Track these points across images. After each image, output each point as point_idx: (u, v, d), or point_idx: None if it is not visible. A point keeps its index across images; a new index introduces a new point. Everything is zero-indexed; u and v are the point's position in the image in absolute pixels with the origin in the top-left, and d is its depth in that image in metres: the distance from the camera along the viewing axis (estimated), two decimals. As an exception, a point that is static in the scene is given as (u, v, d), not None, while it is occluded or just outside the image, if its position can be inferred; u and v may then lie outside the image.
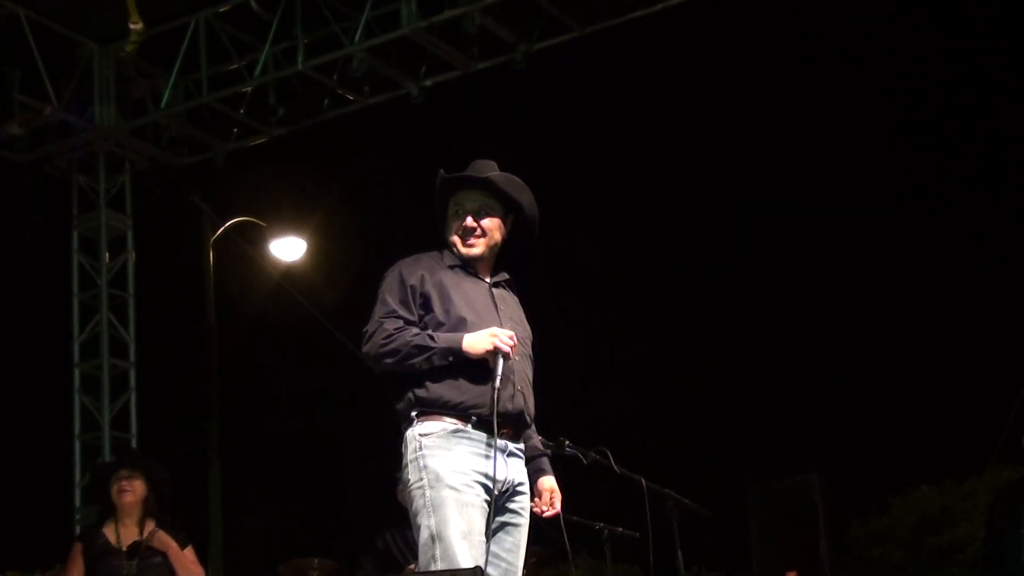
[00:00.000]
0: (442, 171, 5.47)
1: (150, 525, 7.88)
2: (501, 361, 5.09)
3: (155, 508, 7.93)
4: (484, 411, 5.08)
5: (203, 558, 14.09)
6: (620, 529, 7.92)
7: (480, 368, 5.12)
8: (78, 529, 8.92)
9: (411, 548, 8.28)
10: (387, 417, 5.33)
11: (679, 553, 7.34)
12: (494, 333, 5.12)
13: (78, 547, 7.92)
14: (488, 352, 5.10)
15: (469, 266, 5.41)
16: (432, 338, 5.12)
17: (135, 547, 7.81)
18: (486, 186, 5.43)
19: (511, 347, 5.10)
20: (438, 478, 4.98)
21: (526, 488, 5.25)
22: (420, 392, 5.11)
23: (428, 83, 13.67)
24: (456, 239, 5.43)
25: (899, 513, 29.26)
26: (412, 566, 8.09)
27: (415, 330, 5.14)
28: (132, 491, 7.90)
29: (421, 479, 5.02)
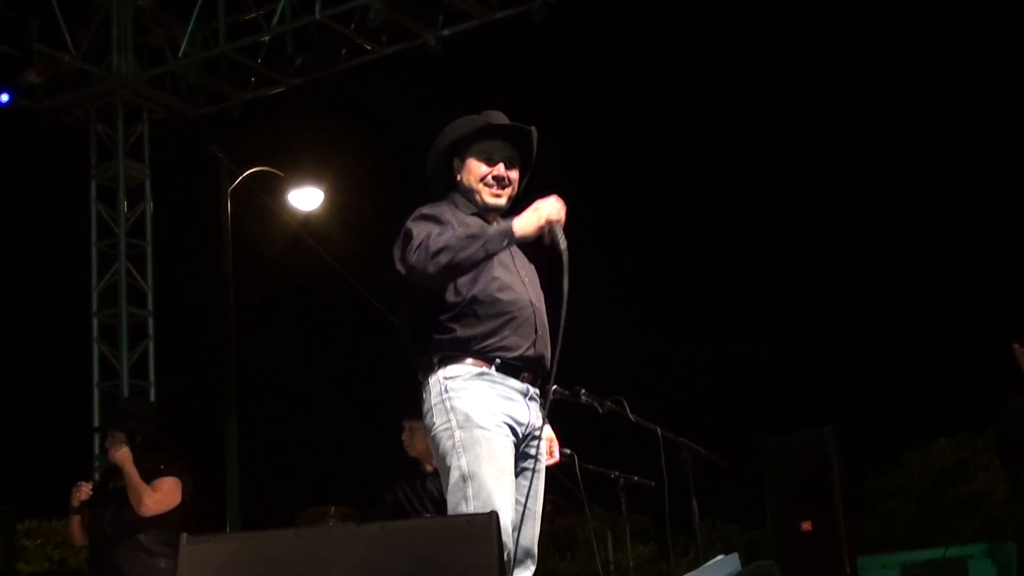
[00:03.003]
0: (477, 116, 5.35)
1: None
2: (559, 230, 5.05)
3: (140, 455, 7.74)
4: (508, 354, 5.07)
5: (221, 507, 14.25)
6: (635, 478, 7.94)
7: (502, 309, 5.10)
8: (96, 477, 8.81)
9: (420, 499, 8.31)
10: (403, 367, 5.29)
11: (694, 502, 7.35)
12: (537, 208, 5.08)
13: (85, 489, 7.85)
14: (542, 228, 5.04)
15: (485, 217, 5.30)
16: (481, 229, 5.04)
17: (112, 495, 7.69)
18: (523, 138, 5.36)
19: (562, 214, 5.07)
20: (468, 419, 4.92)
21: (542, 433, 5.24)
22: (442, 336, 5.04)
23: (445, 32, 13.64)
24: (483, 187, 5.31)
25: (914, 466, 29.33)
26: (426, 516, 8.11)
27: (441, 232, 5.01)
28: (114, 448, 7.81)
29: (449, 421, 4.95)
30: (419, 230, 5.04)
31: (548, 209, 5.04)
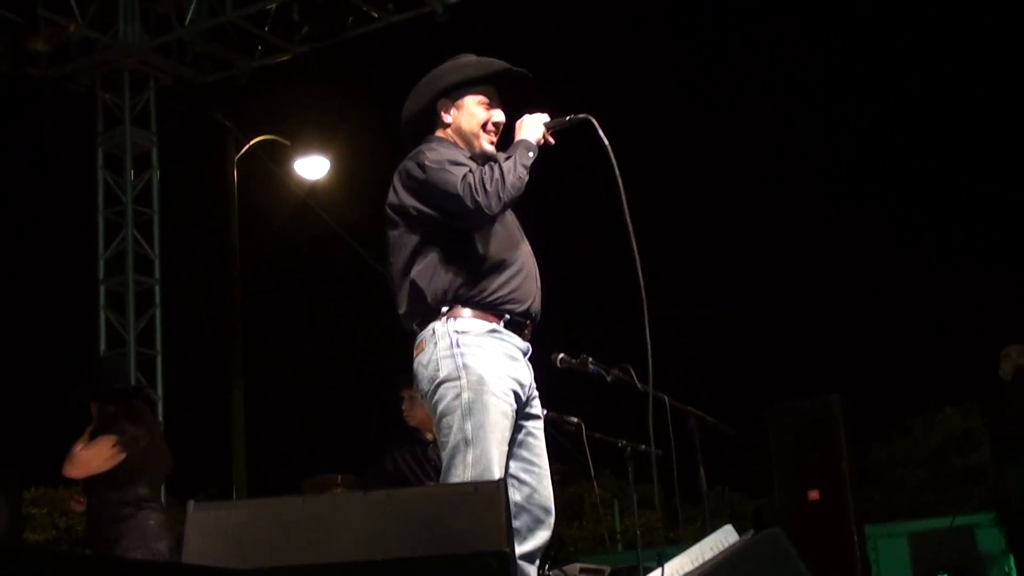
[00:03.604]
0: (476, 58, 5.28)
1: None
2: (558, 123, 5.12)
3: (109, 420, 7.67)
4: (517, 307, 5.03)
5: (228, 475, 14.27)
6: (643, 447, 7.95)
7: (511, 260, 5.05)
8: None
9: (422, 467, 8.32)
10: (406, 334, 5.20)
11: (702, 471, 7.35)
12: (525, 123, 5.12)
13: None
14: (545, 133, 5.11)
15: (476, 162, 5.14)
16: (506, 157, 4.99)
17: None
18: (523, 86, 5.30)
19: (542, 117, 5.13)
20: (481, 381, 4.83)
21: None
22: (450, 286, 4.95)
23: (453, 0, 13.61)
24: (482, 132, 5.21)
25: (921, 435, 29.37)
26: (428, 484, 8.11)
27: (481, 169, 4.94)
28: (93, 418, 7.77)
29: (459, 378, 4.84)
30: (456, 171, 4.94)
31: (534, 120, 5.11)
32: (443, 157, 5.02)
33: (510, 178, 4.90)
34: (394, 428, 8.74)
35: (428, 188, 4.98)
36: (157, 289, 14.66)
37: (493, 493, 3.90)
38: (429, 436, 8.19)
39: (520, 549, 4.89)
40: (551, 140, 5.15)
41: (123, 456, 7.20)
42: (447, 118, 5.24)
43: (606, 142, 5.07)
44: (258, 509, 3.99)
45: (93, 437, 7.30)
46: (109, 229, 14.66)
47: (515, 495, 4.95)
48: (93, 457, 7.25)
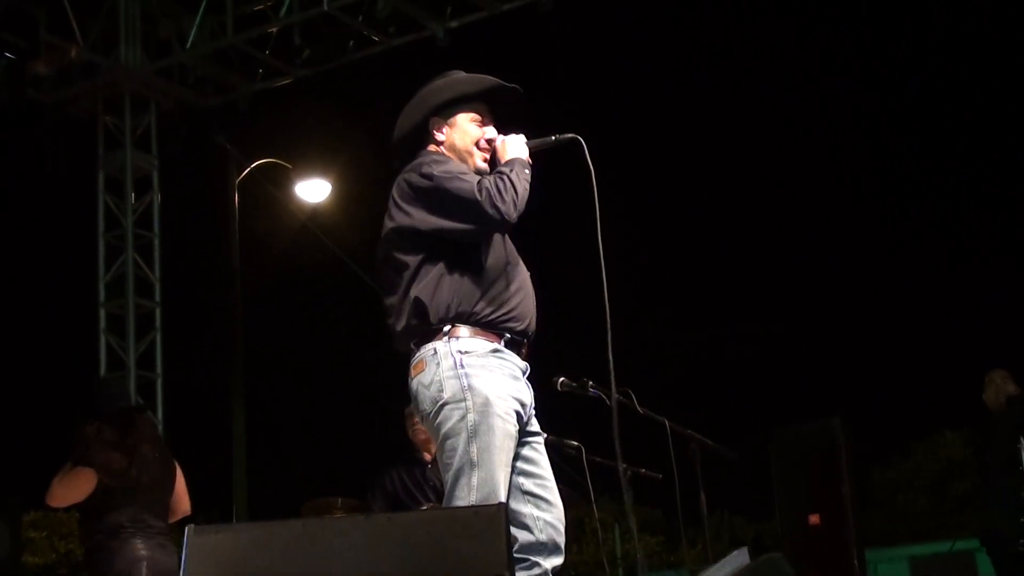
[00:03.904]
0: (467, 75, 5.23)
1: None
2: (539, 142, 5.10)
3: (83, 447, 7.65)
4: (517, 325, 4.98)
5: (228, 498, 14.24)
6: (643, 471, 7.93)
7: (511, 279, 5.00)
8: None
9: (420, 488, 8.31)
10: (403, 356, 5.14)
11: (702, 495, 7.33)
12: (507, 142, 5.08)
13: None
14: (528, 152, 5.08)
15: None
16: (508, 170, 4.94)
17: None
18: (513, 102, 5.24)
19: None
20: (487, 403, 4.76)
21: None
22: (452, 302, 4.88)
23: (453, 24, 13.63)
24: (476, 151, 5.13)
25: (922, 459, 29.33)
26: (427, 506, 8.11)
27: (492, 178, 4.90)
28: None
29: (464, 399, 4.77)
30: (470, 179, 4.90)
31: (517, 140, 5.07)
32: (451, 168, 4.97)
33: (520, 189, 4.88)
34: (394, 448, 8.74)
35: (440, 198, 4.90)
36: (158, 312, 14.66)
37: (494, 517, 3.88)
38: (428, 456, 8.19)
39: (549, 563, 4.88)
40: (536, 150, 5.14)
41: (94, 484, 7.07)
42: (440, 136, 5.17)
43: (590, 165, 5.04)
44: (258, 533, 3.98)
45: (75, 464, 7.26)
46: (110, 252, 14.67)
47: (535, 511, 4.93)
48: (68, 489, 7.18)
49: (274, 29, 14.14)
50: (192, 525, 3.93)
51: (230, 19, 14.02)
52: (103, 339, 14.40)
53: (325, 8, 13.48)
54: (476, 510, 4.09)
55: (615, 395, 5.25)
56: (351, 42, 14.17)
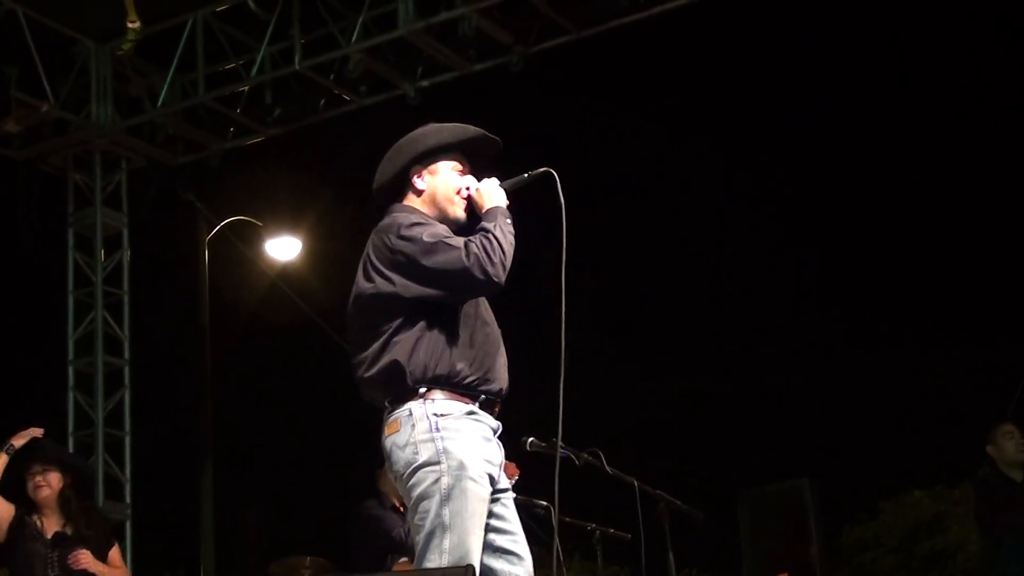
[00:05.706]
0: (448, 124, 5.24)
1: (73, 520, 7.62)
2: (513, 183, 5.13)
3: (75, 498, 7.69)
4: (491, 387, 4.96)
5: (196, 557, 14.18)
6: (612, 530, 7.94)
7: (486, 340, 4.99)
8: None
9: (393, 516, 8.36)
10: (374, 414, 5.13)
11: (670, 555, 7.34)
12: (481, 190, 5.09)
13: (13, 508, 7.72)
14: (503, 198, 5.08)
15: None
16: (493, 226, 4.92)
17: (58, 537, 7.61)
18: (492, 154, 5.27)
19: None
20: (461, 467, 4.75)
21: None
22: (429, 364, 4.84)
23: (424, 84, 13.69)
24: (457, 200, 5.13)
25: (891, 518, 29.32)
26: (401, 561, 8.11)
27: (478, 240, 4.87)
28: (47, 485, 7.69)
29: (439, 463, 4.74)
30: (456, 243, 4.86)
31: (491, 185, 5.09)
32: (435, 232, 4.94)
33: (506, 246, 4.88)
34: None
35: (426, 264, 4.86)
36: (127, 370, 14.60)
37: (462, 578, 3.90)
38: (396, 502, 8.27)
39: None
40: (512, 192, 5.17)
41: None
42: (420, 184, 5.15)
43: (562, 199, 5.06)
44: (226, 593, 3.98)
45: (103, 551, 7.45)
46: (79, 310, 14.62)
47: (507, 567, 4.93)
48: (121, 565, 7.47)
49: (245, 88, 14.18)
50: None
51: (201, 77, 14.05)
52: (71, 396, 14.34)
53: (297, 67, 13.52)
54: (444, 572, 4.09)
55: (558, 439, 5.29)
56: (322, 101, 14.21)
